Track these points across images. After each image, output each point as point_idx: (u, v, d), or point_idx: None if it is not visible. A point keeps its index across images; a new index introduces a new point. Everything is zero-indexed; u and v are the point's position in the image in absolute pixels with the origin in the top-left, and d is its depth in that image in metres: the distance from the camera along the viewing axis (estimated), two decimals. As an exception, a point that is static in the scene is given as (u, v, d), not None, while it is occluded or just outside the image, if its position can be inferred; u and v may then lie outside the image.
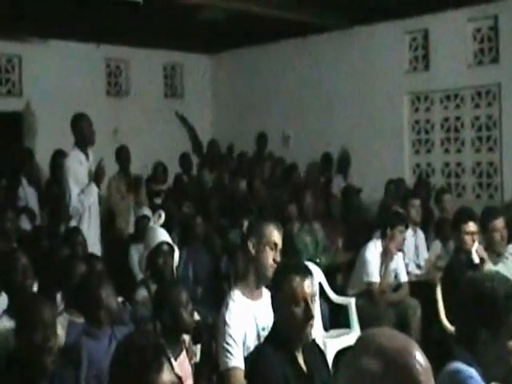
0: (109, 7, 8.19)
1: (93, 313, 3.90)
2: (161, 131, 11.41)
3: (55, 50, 10.48)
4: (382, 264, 6.65)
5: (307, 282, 3.33)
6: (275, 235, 4.00)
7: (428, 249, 7.67)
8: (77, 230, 6.32)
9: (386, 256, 6.64)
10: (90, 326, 3.91)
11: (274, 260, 3.96)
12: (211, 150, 10.99)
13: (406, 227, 6.83)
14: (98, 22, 9.21)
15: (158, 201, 9.03)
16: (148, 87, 11.65)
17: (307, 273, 3.39)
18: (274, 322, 3.48)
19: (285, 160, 10.82)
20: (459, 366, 2.53)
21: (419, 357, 1.71)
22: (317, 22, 10.12)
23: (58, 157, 8.70)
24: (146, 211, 7.56)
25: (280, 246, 4.00)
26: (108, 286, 4.00)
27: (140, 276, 5.84)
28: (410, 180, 10.01)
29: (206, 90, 12.51)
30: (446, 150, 10.07)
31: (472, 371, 2.51)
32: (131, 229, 7.99)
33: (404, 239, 6.79)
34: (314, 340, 3.54)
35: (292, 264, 3.81)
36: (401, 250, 6.78)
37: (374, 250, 6.69)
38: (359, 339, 1.84)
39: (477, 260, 5.72)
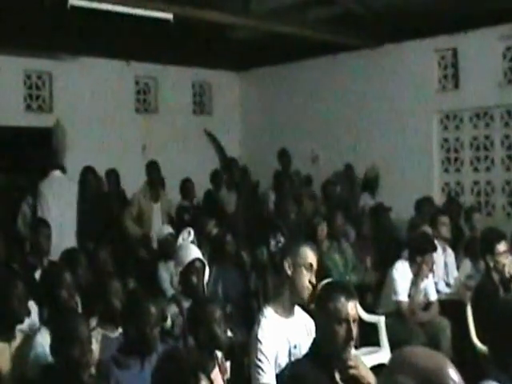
0: (139, 24, 8.34)
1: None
2: (189, 148, 11.54)
3: (85, 67, 10.66)
4: (412, 284, 6.68)
5: (351, 304, 3.40)
6: (310, 256, 4.05)
7: (458, 267, 7.67)
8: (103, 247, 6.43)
9: (417, 277, 6.66)
10: (121, 354, 3.89)
11: (309, 281, 4.01)
12: (232, 169, 11.03)
13: (435, 249, 6.84)
14: (128, 39, 9.36)
15: (186, 217, 9.08)
16: (177, 104, 11.79)
17: (352, 295, 3.46)
18: (314, 340, 3.53)
19: (312, 178, 10.85)
20: (492, 385, 2.57)
21: (454, 376, 1.77)
22: (346, 41, 10.23)
23: (87, 173, 8.81)
24: (168, 229, 7.64)
25: (315, 267, 4.05)
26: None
27: (170, 293, 5.92)
28: (439, 199, 9.99)
29: (234, 108, 12.61)
30: (476, 169, 10.07)
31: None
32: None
33: (433, 261, 6.80)
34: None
35: (339, 284, 3.88)
36: (432, 270, 6.79)
37: (401, 270, 6.71)
38: (394, 357, 1.90)
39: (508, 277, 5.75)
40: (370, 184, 10.47)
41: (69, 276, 4.63)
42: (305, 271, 4.01)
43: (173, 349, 3.16)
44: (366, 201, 10.15)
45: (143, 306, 3.94)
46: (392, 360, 1.90)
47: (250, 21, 8.99)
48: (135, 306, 3.99)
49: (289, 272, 4.02)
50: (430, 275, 6.90)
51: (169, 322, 4.70)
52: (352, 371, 3.36)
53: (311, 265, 4.03)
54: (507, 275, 5.81)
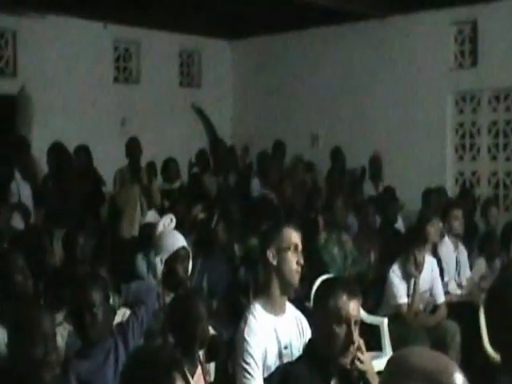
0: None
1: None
2: (174, 124, 11.44)
3: (55, 27, 10.44)
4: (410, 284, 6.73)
5: (354, 303, 3.37)
6: (294, 236, 4.07)
7: (471, 267, 7.70)
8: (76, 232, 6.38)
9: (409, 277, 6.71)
10: (82, 344, 3.90)
11: (297, 263, 4.02)
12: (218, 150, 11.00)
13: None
14: None
15: (168, 202, 9.06)
16: (161, 74, 11.69)
17: (355, 293, 3.43)
18: (310, 341, 3.54)
19: (312, 163, 10.87)
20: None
21: (459, 378, 1.79)
22: (352, 8, 10.15)
23: (57, 150, 8.74)
24: (153, 215, 7.62)
25: (300, 247, 4.07)
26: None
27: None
28: (452, 190, 10.04)
29: (225, 81, 12.53)
30: (494, 158, 10.11)
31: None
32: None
33: (423, 259, 6.80)
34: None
35: (341, 280, 3.88)
36: (421, 271, 6.80)
37: (397, 270, 6.76)
38: (396, 361, 1.90)
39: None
40: (372, 173, 10.46)
41: (21, 260, 4.60)
42: (291, 254, 4.02)
43: (144, 345, 3.14)
44: (368, 191, 10.16)
45: (85, 291, 3.89)
46: (393, 364, 1.91)
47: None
48: (76, 292, 3.97)
49: (274, 262, 4.02)
50: (437, 274, 6.94)
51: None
52: (360, 366, 3.36)
53: (296, 245, 4.04)
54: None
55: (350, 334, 3.33)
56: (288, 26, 11.28)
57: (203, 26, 11.32)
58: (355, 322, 3.38)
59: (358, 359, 3.41)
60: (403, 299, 6.68)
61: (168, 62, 11.89)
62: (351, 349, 3.36)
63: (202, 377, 4.05)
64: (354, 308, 3.37)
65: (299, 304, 4.40)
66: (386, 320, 6.57)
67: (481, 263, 7.47)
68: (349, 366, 3.40)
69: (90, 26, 10.79)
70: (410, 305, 6.67)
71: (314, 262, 6.30)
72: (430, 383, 1.77)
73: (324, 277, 5.25)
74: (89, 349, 3.87)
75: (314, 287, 4.74)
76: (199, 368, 4.06)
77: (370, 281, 7.62)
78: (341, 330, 3.33)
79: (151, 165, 9.84)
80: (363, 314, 6.65)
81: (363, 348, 3.52)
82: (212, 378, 4.46)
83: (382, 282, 6.95)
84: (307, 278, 5.09)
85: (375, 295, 7.17)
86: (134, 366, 2.45)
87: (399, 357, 1.91)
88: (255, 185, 9.93)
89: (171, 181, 9.67)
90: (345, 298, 3.36)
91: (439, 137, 10.36)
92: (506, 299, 2.93)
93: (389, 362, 1.93)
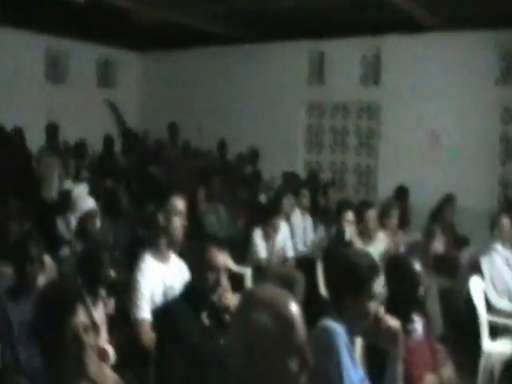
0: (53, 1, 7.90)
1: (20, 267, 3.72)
2: (91, 117, 10.98)
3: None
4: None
5: (222, 256, 3.35)
6: (179, 204, 4.09)
7: (314, 231, 7.83)
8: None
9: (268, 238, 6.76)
10: (14, 289, 3.70)
11: (181, 225, 4.00)
12: (128, 136, 10.77)
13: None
14: (39, 12, 8.68)
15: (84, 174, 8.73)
16: (83, 77, 11.27)
17: (223, 247, 3.42)
18: (187, 283, 3.48)
19: (200, 149, 10.72)
20: (329, 323, 2.62)
21: (294, 307, 1.77)
22: (233, 35, 10.20)
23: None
24: (70, 184, 7.37)
25: (184, 213, 4.06)
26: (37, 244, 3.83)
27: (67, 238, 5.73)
28: (302, 174, 10.17)
29: (135, 84, 12.24)
30: (333, 151, 10.32)
31: (339, 327, 2.60)
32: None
33: (279, 225, 6.85)
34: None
35: (212, 237, 3.85)
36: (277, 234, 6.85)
37: (259, 233, 6.76)
38: (246, 295, 1.87)
39: (349, 240, 5.95)
40: (250, 159, 10.46)
41: None
42: (177, 218, 4.01)
43: (54, 281, 3.01)
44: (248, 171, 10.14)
45: (25, 245, 3.74)
46: (244, 298, 1.87)
47: (151, 8, 8.74)
48: (18, 245, 3.79)
49: (163, 223, 3.99)
50: (288, 235, 7.02)
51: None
52: (225, 302, 3.34)
53: (181, 211, 4.05)
54: (347, 238, 6.03)
55: (218, 278, 3.30)
56: (184, 45, 11.13)
57: (119, 41, 11.09)
58: (223, 269, 3.35)
59: (224, 297, 3.39)
60: (263, 255, 6.72)
61: (88, 67, 11.48)
62: (219, 289, 3.34)
63: (102, 310, 3.94)
64: (221, 259, 3.35)
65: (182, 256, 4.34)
66: (249, 270, 6.59)
67: (321, 229, 7.60)
68: (217, 302, 3.38)
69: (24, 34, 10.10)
70: (268, 259, 6.71)
71: (195, 226, 6.24)
72: (271, 312, 1.74)
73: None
74: (20, 292, 3.67)
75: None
76: (101, 304, 3.95)
77: (239, 240, 7.62)
78: (211, 275, 3.29)
79: (78, 146, 9.50)
80: (232, 265, 6.68)
81: (229, 289, 3.51)
82: (112, 311, 4.34)
83: (248, 241, 6.96)
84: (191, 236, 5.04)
85: (243, 251, 7.19)
86: (44, 297, 2.34)
87: (248, 292, 1.88)
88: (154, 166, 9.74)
89: (83, 158, 9.34)
90: (215, 250, 3.33)
91: (294, 135, 10.49)
92: (335, 256, 2.99)
93: (241, 296, 1.90)
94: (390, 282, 2.78)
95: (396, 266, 3.28)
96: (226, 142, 10.60)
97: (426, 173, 9.05)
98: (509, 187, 9.07)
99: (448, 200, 7.84)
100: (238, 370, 1.73)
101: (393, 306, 2.89)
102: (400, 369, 2.74)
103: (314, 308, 2.90)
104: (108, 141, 10.25)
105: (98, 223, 5.10)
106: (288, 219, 7.42)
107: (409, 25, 8.81)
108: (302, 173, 10.27)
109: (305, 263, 6.81)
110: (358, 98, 9.95)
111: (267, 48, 10.57)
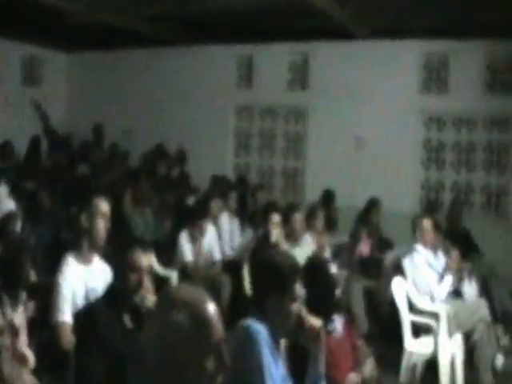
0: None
1: None
2: (15, 116, 10.67)
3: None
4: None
5: (145, 258, 3.31)
6: (103, 205, 4.02)
7: (242, 235, 7.83)
8: None
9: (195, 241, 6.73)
10: None
11: (103, 227, 3.93)
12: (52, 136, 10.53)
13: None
14: None
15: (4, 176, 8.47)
16: (6, 76, 10.92)
17: (147, 249, 3.37)
18: (110, 285, 3.42)
19: (127, 151, 10.54)
20: (251, 322, 2.64)
21: (211, 306, 1.77)
22: (165, 37, 10.12)
23: None
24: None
25: (108, 215, 3.99)
26: None
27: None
28: (231, 177, 10.16)
29: (61, 84, 11.95)
30: (261, 155, 10.40)
31: (261, 327, 2.61)
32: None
33: (206, 227, 6.82)
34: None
35: (137, 239, 3.80)
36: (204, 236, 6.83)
37: (185, 235, 6.70)
38: (164, 295, 1.85)
39: (275, 242, 6.00)
40: (179, 159, 10.39)
41: None
42: (100, 219, 3.95)
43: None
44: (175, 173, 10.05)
45: None
46: (162, 297, 1.86)
47: (81, 9, 8.58)
48: None
49: (86, 224, 3.92)
50: (216, 238, 7.01)
51: None
52: (147, 304, 3.30)
53: (105, 213, 3.98)
54: (273, 240, 6.08)
55: (140, 279, 3.26)
56: (113, 46, 10.97)
57: (47, 40, 10.82)
58: (146, 271, 3.31)
59: (147, 299, 3.35)
60: (189, 257, 6.68)
61: (12, 65, 11.12)
62: (141, 291, 3.29)
63: (22, 313, 3.83)
64: (145, 261, 3.31)
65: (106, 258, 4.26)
66: (175, 273, 6.54)
67: (248, 232, 7.61)
68: (139, 304, 3.34)
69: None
70: (195, 262, 6.67)
71: (121, 228, 6.14)
72: (188, 311, 1.73)
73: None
74: None
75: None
76: (21, 307, 3.84)
77: (165, 243, 7.55)
78: (134, 277, 3.25)
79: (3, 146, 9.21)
80: (158, 268, 6.61)
81: (151, 291, 3.47)
82: (31, 314, 4.21)
83: (174, 244, 6.91)
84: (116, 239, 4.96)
85: (170, 254, 7.13)
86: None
87: (167, 291, 1.86)
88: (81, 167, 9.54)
89: (7, 160, 9.07)
90: (138, 252, 3.29)
91: (223, 138, 10.50)
92: (260, 257, 3.03)
93: (159, 296, 1.88)
94: (308, 285, 2.83)
95: (312, 269, 3.36)
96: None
97: (352, 176, 9.24)
98: (431, 191, 9.37)
99: (374, 203, 8.01)
100: (152, 368, 1.71)
101: (313, 307, 2.94)
102: (322, 367, 2.77)
103: (239, 310, 2.92)
104: (35, 141, 9.97)
105: (19, 225, 4.96)
106: (216, 222, 7.40)
107: (338, 32, 8.98)
108: (231, 176, 10.27)
109: (231, 266, 6.81)
110: (286, 102, 10.06)
111: (197, 51, 10.54)
